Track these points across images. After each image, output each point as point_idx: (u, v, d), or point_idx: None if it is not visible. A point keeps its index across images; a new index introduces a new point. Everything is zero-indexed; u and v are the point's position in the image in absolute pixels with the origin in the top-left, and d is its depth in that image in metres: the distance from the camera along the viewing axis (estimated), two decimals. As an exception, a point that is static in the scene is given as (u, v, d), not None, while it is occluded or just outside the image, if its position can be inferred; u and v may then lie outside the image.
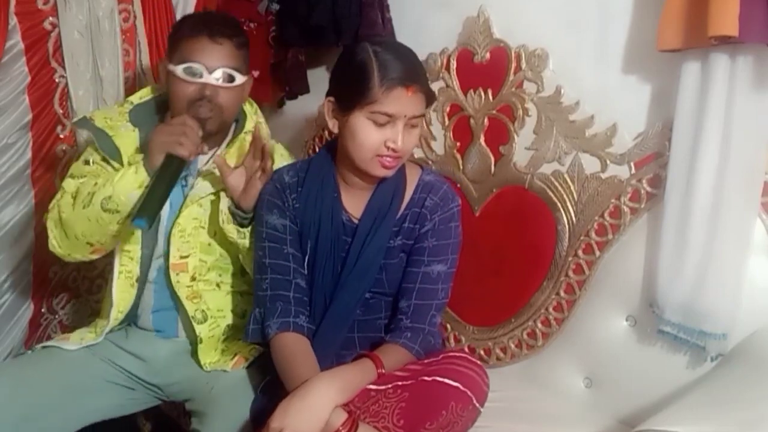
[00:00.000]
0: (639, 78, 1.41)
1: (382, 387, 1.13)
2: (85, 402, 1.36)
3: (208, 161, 1.45)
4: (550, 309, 1.54)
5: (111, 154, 1.40)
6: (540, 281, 1.55)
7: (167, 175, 1.26)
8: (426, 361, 1.18)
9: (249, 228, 1.38)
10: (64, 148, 1.87)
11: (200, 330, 1.41)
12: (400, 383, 1.12)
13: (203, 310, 1.43)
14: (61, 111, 1.86)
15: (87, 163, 1.44)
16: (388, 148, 1.20)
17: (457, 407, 1.09)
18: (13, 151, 1.79)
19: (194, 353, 1.43)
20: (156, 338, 1.46)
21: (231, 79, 1.38)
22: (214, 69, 1.36)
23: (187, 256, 1.43)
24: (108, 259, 1.46)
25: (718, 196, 1.27)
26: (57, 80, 1.84)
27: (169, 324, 1.47)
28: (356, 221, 1.30)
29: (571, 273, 1.51)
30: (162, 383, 1.44)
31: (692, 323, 1.30)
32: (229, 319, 1.48)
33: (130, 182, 1.29)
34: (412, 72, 1.20)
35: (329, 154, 1.33)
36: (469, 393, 1.10)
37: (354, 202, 1.31)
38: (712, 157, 1.27)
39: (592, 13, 1.46)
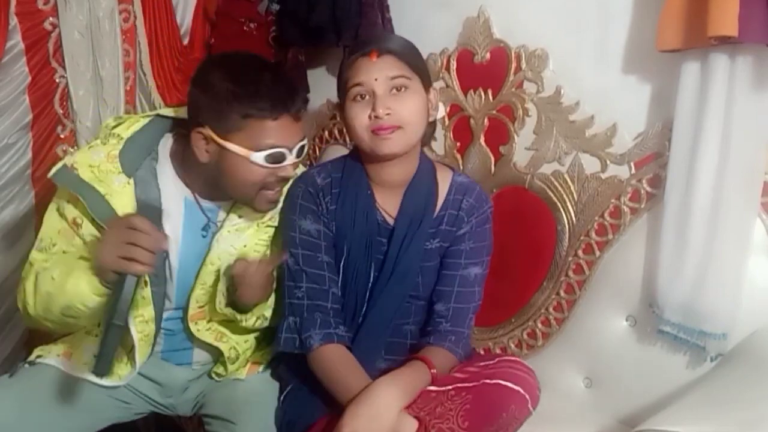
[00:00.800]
0: (639, 78, 1.41)
1: (443, 388, 1.12)
2: (93, 417, 1.32)
3: (231, 206, 1.30)
4: (550, 309, 1.55)
5: (105, 217, 1.17)
6: (540, 281, 1.56)
7: (119, 303, 1.06)
8: (481, 364, 1.18)
9: (247, 315, 1.27)
10: (64, 148, 1.87)
11: (232, 368, 1.36)
12: (460, 385, 1.12)
13: (234, 347, 1.35)
14: (61, 111, 1.86)
15: (62, 216, 1.22)
16: (372, 118, 1.17)
17: (516, 410, 1.10)
18: (13, 152, 1.79)
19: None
20: (169, 365, 1.38)
21: (303, 150, 1.23)
22: (293, 147, 1.19)
23: (204, 305, 1.32)
24: None
25: (717, 196, 1.27)
26: (57, 80, 1.84)
27: (181, 359, 1.38)
28: (392, 222, 1.27)
29: (571, 273, 1.51)
30: (175, 402, 1.40)
31: (692, 323, 1.30)
32: (253, 346, 1.40)
33: (85, 293, 1.11)
34: (375, 41, 1.21)
35: (358, 155, 1.28)
36: (527, 396, 1.11)
37: (388, 202, 1.28)
38: (711, 157, 1.27)
39: (592, 13, 1.46)
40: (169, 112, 1.32)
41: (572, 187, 1.50)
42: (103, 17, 1.83)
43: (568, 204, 1.51)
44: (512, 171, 1.59)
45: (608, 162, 1.45)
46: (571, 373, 1.50)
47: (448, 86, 1.67)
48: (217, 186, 1.24)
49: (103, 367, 1.06)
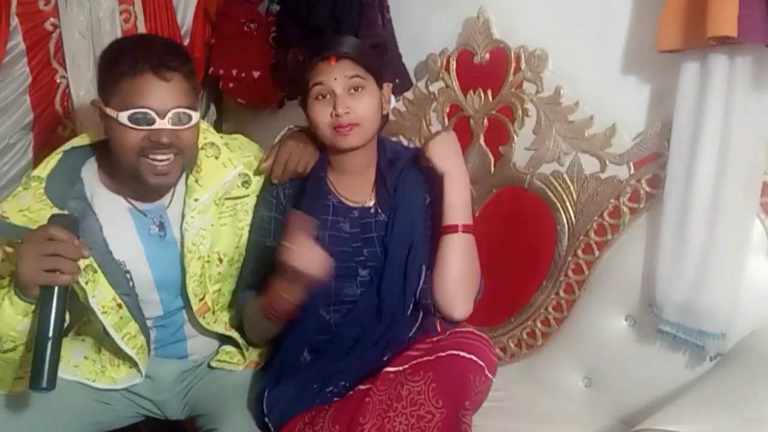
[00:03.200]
0: (638, 78, 1.41)
1: (400, 368, 1.14)
2: (81, 421, 1.31)
3: (171, 201, 1.31)
4: (550, 309, 1.55)
5: None
6: (539, 281, 1.56)
7: (52, 315, 1.04)
8: (434, 339, 1.19)
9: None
10: (65, 148, 1.88)
11: (249, 354, 1.39)
12: (415, 362, 1.13)
13: (244, 335, 1.38)
14: (62, 111, 1.87)
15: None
16: (333, 116, 1.26)
17: (474, 380, 1.11)
18: (14, 152, 1.80)
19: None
20: (160, 359, 1.38)
21: (183, 118, 1.19)
22: (164, 111, 1.16)
23: (203, 297, 1.33)
24: None
25: (717, 196, 1.27)
26: (58, 81, 1.85)
27: (175, 352, 1.40)
28: (353, 204, 1.34)
29: (570, 273, 1.51)
30: (165, 399, 1.40)
31: (691, 323, 1.30)
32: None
33: (11, 317, 1.09)
34: (333, 45, 1.28)
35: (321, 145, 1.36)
36: (482, 363, 1.12)
37: (346, 186, 1.35)
38: (711, 157, 1.27)
39: (592, 13, 1.46)
40: (81, 140, 1.33)
41: (571, 187, 1.50)
42: (103, 18, 1.84)
43: (568, 204, 1.51)
44: (512, 171, 1.59)
45: (607, 162, 1.46)
46: (570, 373, 1.51)
47: (447, 86, 1.68)
48: (140, 180, 1.22)
49: (39, 380, 1.03)
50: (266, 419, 1.24)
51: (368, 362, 1.23)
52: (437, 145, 1.30)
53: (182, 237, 1.30)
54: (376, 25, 1.72)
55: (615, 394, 1.43)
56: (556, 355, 1.54)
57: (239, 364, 1.39)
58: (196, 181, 1.30)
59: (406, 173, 1.34)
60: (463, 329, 1.21)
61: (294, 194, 1.35)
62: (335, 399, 1.22)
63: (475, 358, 1.11)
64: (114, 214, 1.28)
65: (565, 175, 1.51)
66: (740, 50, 1.21)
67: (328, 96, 1.27)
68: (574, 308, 1.51)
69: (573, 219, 1.51)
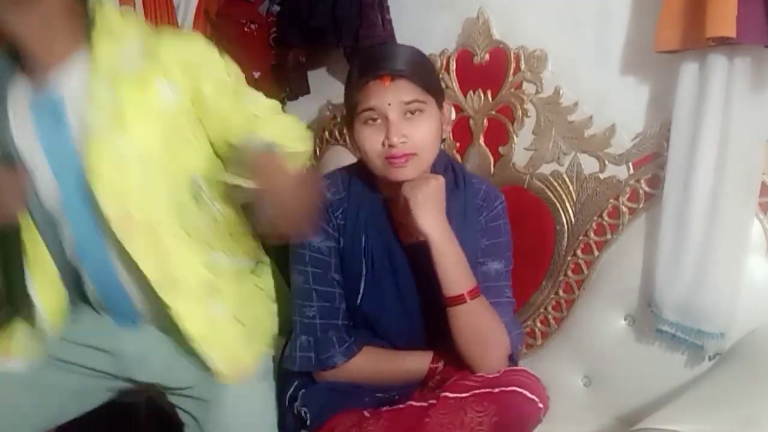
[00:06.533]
0: (637, 79, 1.42)
1: (460, 395, 1.07)
2: (45, 417, 1.22)
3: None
4: (549, 308, 1.55)
5: None
6: (539, 281, 1.56)
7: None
8: (490, 376, 1.12)
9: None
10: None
11: (205, 345, 1.16)
12: (477, 392, 1.07)
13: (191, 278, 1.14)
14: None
15: None
16: (385, 145, 1.12)
17: (533, 422, 1.08)
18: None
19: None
20: (116, 329, 1.20)
21: None
22: None
23: (127, 207, 1.06)
24: None
25: (716, 196, 1.27)
26: (59, 80, 1.84)
27: (121, 307, 1.18)
28: (410, 238, 1.21)
29: (569, 273, 1.52)
30: (135, 376, 1.23)
31: (690, 322, 1.31)
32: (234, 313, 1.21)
33: None
34: (388, 62, 1.12)
35: (366, 168, 1.20)
36: (541, 405, 1.08)
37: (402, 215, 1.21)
38: (710, 157, 1.27)
39: (591, 14, 1.46)
40: None
41: (571, 187, 1.51)
42: (104, 18, 1.83)
43: (567, 204, 1.51)
44: (511, 171, 1.60)
45: (607, 162, 1.46)
46: (569, 372, 1.51)
47: (447, 87, 1.68)
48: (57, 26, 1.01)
49: None
50: (304, 410, 1.18)
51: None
52: (418, 198, 1.11)
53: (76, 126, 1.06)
54: (376, 26, 1.73)
55: (614, 394, 1.43)
56: (555, 355, 1.54)
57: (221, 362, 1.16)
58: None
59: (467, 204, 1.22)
60: (517, 368, 1.15)
61: (347, 225, 1.21)
62: (384, 407, 1.15)
63: (537, 401, 1.07)
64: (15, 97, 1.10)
65: (565, 175, 1.52)
66: (739, 51, 1.22)
67: (379, 120, 1.11)
68: (574, 308, 1.51)
69: (572, 219, 1.51)
